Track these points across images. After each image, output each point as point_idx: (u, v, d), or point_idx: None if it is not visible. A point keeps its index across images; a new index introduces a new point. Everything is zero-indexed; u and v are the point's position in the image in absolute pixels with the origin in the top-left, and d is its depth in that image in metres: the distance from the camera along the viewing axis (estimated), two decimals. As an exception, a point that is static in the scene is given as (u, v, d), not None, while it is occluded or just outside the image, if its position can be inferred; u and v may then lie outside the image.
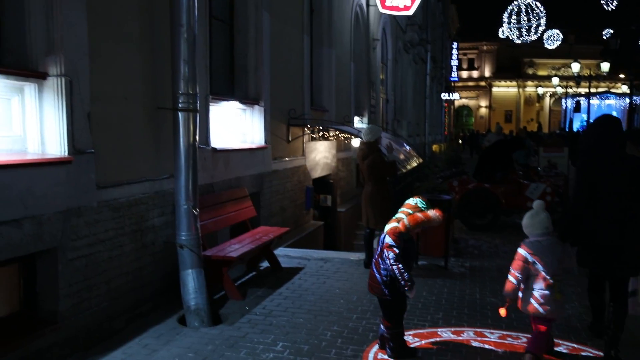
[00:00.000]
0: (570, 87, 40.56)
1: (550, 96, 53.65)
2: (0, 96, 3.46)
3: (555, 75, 46.45)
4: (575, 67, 33.13)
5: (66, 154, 3.74)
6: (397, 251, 3.69)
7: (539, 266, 3.71)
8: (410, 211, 3.78)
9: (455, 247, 7.50)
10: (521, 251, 3.78)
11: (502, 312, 3.86)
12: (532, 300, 3.73)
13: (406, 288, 3.69)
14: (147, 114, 4.75)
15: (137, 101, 4.61)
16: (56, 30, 3.66)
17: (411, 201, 3.85)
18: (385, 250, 3.73)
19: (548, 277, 3.70)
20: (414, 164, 10.17)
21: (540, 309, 3.71)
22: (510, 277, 3.78)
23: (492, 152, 10.06)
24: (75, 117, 3.82)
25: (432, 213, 3.76)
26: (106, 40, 4.20)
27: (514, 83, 55.13)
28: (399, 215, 3.83)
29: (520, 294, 3.82)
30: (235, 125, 6.90)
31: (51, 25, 3.64)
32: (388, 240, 3.74)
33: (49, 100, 3.69)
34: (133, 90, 4.56)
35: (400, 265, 3.66)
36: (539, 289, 3.72)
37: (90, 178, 3.98)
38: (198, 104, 4.81)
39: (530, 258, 3.73)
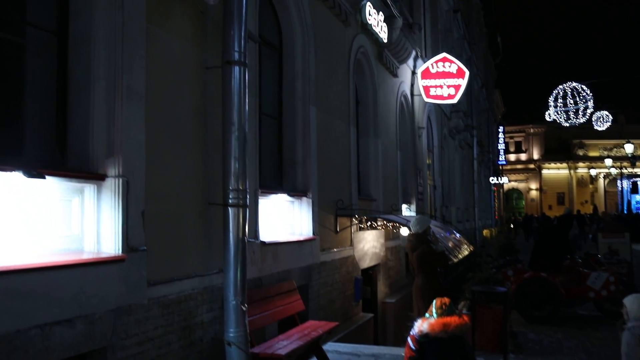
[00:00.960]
0: (625, 168, 39.53)
1: (604, 177, 52.30)
2: (62, 197, 3.63)
3: (608, 156, 45.52)
4: (629, 147, 32.45)
5: (120, 252, 3.84)
6: (413, 354, 3.65)
7: None
8: (433, 314, 3.71)
9: (514, 342, 7.11)
10: (628, 337, 3.52)
11: None
12: None
13: None
14: (198, 209, 4.87)
15: (188, 198, 4.75)
16: (116, 133, 3.87)
17: (436, 302, 3.78)
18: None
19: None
20: (465, 253, 9.92)
21: None
22: None
23: (549, 237, 9.73)
24: (130, 215, 3.95)
25: (453, 320, 3.65)
26: (161, 141, 4.41)
27: (565, 165, 54.21)
28: (427, 314, 3.79)
29: None
30: (283, 218, 6.97)
31: (112, 129, 3.87)
32: (408, 343, 3.72)
33: (107, 200, 3.85)
34: (185, 187, 4.71)
35: None
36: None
37: (141, 275, 4.04)
38: (248, 199, 4.91)
39: None
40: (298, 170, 7.33)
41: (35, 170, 3.20)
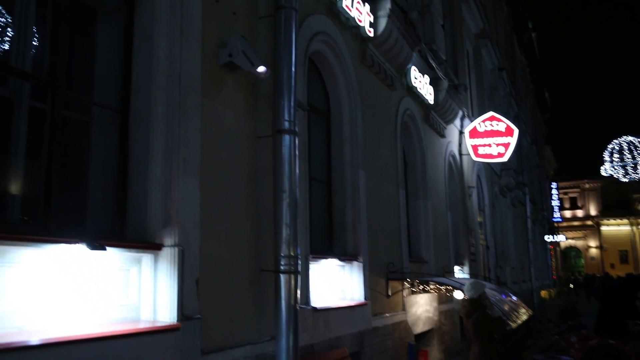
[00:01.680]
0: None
1: (670, 233, 49.82)
2: (121, 267, 3.76)
3: (672, 211, 43.48)
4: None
5: (175, 320, 3.89)
6: None
7: None
8: None
9: (582, 415, 6.65)
10: None
11: None
12: None
13: None
14: (250, 276, 4.92)
15: (241, 265, 4.81)
16: (173, 204, 4.02)
17: None
18: None
19: None
20: (523, 317, 9.52)
21: None
22: None
23: (615, 300, 9.24)
24: (185, 284, 4.03)
25: None
26: (215, 209, 4.53)
27: (626, 221, 51.99)
28: None
29: None
30: (334, 282, 6.93)
31: (169, 200, 4.02)
32: None
33: (163, 269, 3.95)
34: (238, 254, 4.79)
35: None
36: None
37: (196, 344, 4.07)
38: (299, 265, 4.94)
39: None
40: (348, 234, 7.33)
41: (98, 241, 3.34)
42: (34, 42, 3.76)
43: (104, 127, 4.12)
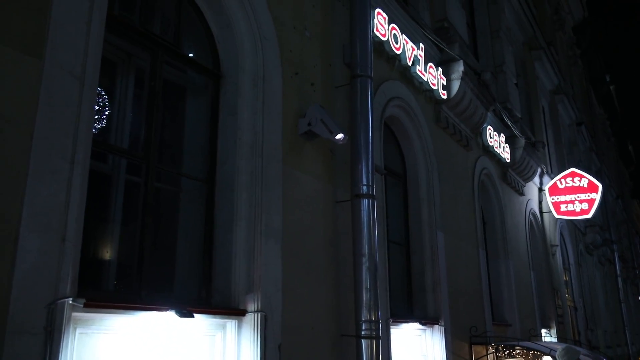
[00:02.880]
0: None
1: None
2: (206, 333, 3.77)
3: None
4: None
5: (258, 387, 3.83)
6: None
7: None
8: None
9: None
10: None
11: None
12: None
13: None
14: (331, 341, 4.80)
15: (322, 330, 4.72)
16: (256, 270, 4.03)
17: None
18: None
19: None
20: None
21: None
22: None
23: None
24: (268, 349, 3.98)
25: None
26: (296, 274, 4.51)
27: None
28: None
29: None
30: (415, 347, 6.64)
31: (252, 266, 4.04)
32: None
33: (246, 335, 3.93)
34: (318, 319, 4.70)
35: None
36: None
37: (278, 412, 3.97)
38: (380, 330, 4.78)
39: None
40: (428, 297, 7.07)
41: (186, 308, 3.38)
42: (130, 120, 4.01)
43: (191, 197, 4.26)
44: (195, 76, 4.46)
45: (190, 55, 4.38)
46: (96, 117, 3.62)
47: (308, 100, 5.03)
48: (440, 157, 7.93)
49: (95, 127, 3.45)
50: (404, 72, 7.17)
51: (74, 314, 2.80)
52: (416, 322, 6.64)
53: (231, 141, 4.28)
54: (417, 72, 7.27)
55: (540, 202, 13.59)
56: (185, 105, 4.49)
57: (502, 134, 10.64)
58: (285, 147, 4.59)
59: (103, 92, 3.90)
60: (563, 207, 13.10)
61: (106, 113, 3.90)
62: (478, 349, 8.00)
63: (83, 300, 2.79)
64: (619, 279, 24.83)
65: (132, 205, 3.79)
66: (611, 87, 33.33)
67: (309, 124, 4.75)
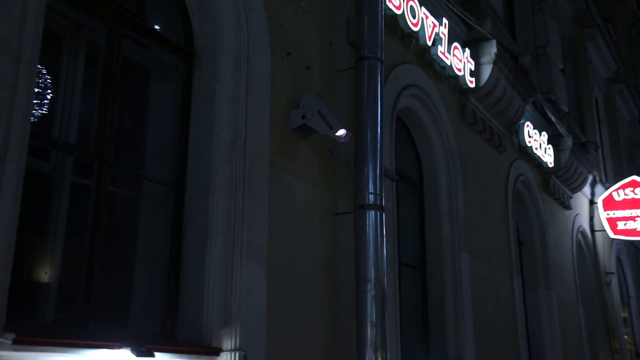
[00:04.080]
0: None
1: None
2: (170, 376, 3.78)
3: None
4: None
5: None
6: None
7: None
8: None
9: None
10: None
11: None
12: None
13: None
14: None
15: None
16: (234, 298, 4.03)
17: None
18: None
19: None
20: None
21: None
22: None
23: None
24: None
25: None
26: (285, 303, 4.49)
27: None
28: None
29: None
30: (432, 397, 6.66)
31: (229, 293, 4.03)
32: None
33: (220, 379, 3.94)
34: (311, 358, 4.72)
35: None
36: None
37: None
38: (388, 376, 4.79)
39: None
40: (449, 334, 7.08)
41: (145, 346, 3.38)
42: (79, 108, 3.99)
43: (155, 205, 4.27)
44: (162, 55, 4.48)
45: (157, 28, 4.40)
46: (36, 102, 3.62)
47: (303, 87, 5.05)
48: (465, 160, 7.97)
49: (34, 116, 3.44)
50: (423, 54, 7.21)
51: (1, 354, 2.77)
52: (434, 365, 6.66)
53: (206, 137, 4.30)
54: (439, 54, 7.31)
55: (591, 218, 13.64)
56: (150, 91, 4.50)
57: (543, 133, 10.69)
58: (274, 145, 4.61)
59: (45, 72, 3.89)
60: (621, 225, 13.13)
61: (48, 98, 3.90)
62: (511, 401, 8.02)
63: (12, 336, 2.77)
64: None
65: (80, 214, 3.79)
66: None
67: (304, 117, 4.77)
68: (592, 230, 13.51)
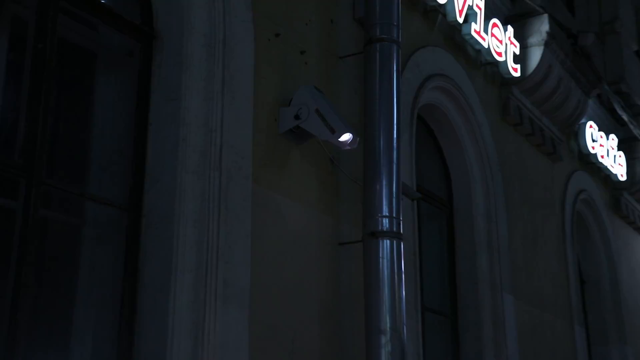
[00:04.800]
0: None
1: None
2: None
3: None
4: None
5: None
6: None
7: None
8: None
9: None
10: None
11: None
12: None
13: None
14: None
15: None
16: (206, 355, 4.03)
17: None
18: None
19: None
20: None
21: None
22: None
23: None
24: None
25: None
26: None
27: None
28: None
29: None
30: None
31: (199, 349, 4.01)
32: None
33: None
34: None
35: None
36: None
37: None
38: None
39: None
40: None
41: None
42: (0, 105, 4.02)
43: (102, 234, 4.28)
44: (112, 36, 4.50)
45: (104, 1, 4.41)
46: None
47: (296, 78, 5.09)
48: (508, 173, 7.99)
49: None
50: (452, 35, 7.26)
51: None
52: None
53: (170, 144, 4.30)
54: (473, 33, 7.35)
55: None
56: (96, 84, 4.52)
57: (612, 136, 10.71)
58: (258, 154, 4.64)
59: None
60: None
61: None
62: None
63: None
64: None
65: (1, 246, 3.78)
66: None
67: (297, 118, 4.80)
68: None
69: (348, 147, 4.94)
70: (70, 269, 4.24)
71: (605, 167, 10.47)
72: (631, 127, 11.16)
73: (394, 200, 5.16)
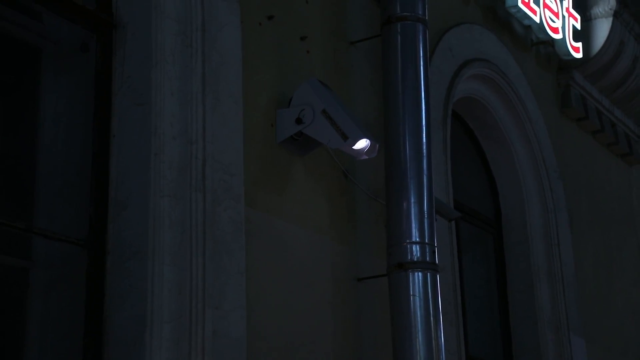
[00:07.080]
0: None
1: None
2: None
3: None
4: None
5: None
6: None
7: None
8: None
9: None
10: None
11: None
12: None
13: None
14: None
15: None
16: None
17: None
18: None
19: None
20: None
21: None
22: None
23: None
24: None
25: None
26: None
27: None
28: None
29: None
30: None
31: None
32: None
33: None
34: None
35: None
36: None
37: None
38: None
39: None
40: None
41: None
42: None
43: (55, 278, 4.30)
44: (60, 27, 4.53)
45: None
46: None
47: (296, 71, 5.12)
48: (572, 181, 7.99)
49: None
50: (493, 8, 7.28)
51: None
52: None
53: (139, 160, 4.30)
54: (520, 5, 7.36)
55: None
56: (41, 88, 4.54)
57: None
58: (252, 170, 4.66)
59: None
60: None
61: None
62: None
63: None
64: None
65: None
66: None
67: (299, 121, 4.82)
68: None
69: (365, 157, 4.94)
70: (16, 323, 4.24)
71: (698, 171, 10.46)
72: None
73: (425, 221, 5.17)
